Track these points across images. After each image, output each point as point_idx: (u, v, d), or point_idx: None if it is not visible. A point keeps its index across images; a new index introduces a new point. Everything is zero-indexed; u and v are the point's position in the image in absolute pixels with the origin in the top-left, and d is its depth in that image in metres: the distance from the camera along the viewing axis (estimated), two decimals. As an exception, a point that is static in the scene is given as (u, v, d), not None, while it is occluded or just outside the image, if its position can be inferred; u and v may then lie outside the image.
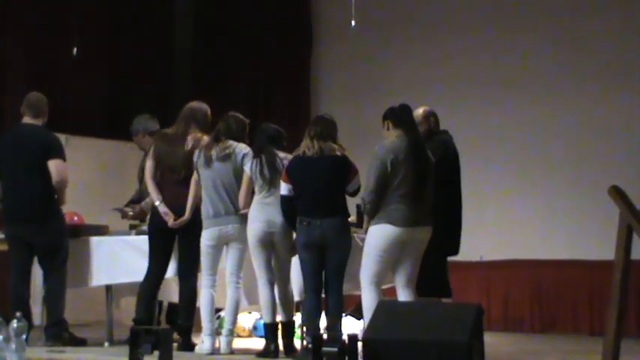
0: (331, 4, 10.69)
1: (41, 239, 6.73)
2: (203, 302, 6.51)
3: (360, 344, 5.24)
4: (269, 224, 6.36)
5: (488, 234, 9.54)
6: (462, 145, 9.73)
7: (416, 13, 10.27)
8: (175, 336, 6.44)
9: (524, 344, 8.21)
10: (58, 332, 6.73)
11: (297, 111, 10.57)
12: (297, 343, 6.57)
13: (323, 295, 6.29)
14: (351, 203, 6.45)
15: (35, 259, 6.90)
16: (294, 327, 6.60)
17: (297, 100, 10.77)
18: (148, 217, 6.99)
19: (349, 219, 6.44)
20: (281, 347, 6.44)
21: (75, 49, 9.09)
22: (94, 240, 6.99)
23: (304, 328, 6.42)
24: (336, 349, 5.23)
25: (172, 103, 9.36)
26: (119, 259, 6.88)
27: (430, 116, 6.73)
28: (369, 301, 5.91)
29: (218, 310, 6.78)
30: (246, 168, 6.47)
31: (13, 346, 4.90)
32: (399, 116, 6.11)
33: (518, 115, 9.64)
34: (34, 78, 9.42)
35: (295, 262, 6.48)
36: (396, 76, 10.15)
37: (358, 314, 6.89)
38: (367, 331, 5.39)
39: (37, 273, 7.11)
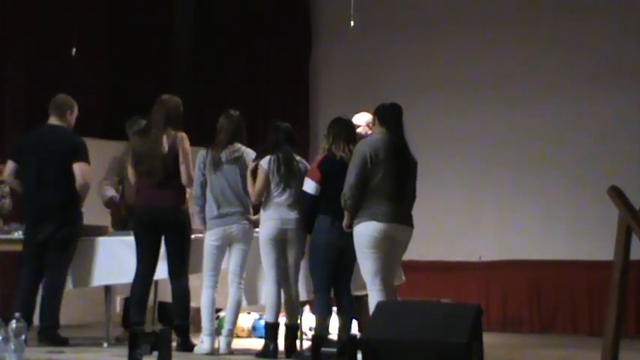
0: (330, 4, 10.70)
1: (57, 238, 6.76)
2: (204, 302, 6.50)
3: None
4: (282, 222, 6.40)
5: (487, 234, 9.56)
6: (459, 145, 9.83)
7: (415, 14, 10.28)
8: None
9: (523, 344, 8.21)
10: (54, 333, 6.73)
11: (296, 111, 10.57)
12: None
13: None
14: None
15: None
16: (297, 329, 6.61)
17: (296, 100, 10.78)
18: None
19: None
20: (281, 348, 6.44)
21: (74, 50, 9.08)
22: (94, 240, 7.00)
23: (309, 328, 6.43)
24: (335, 350, 5.24)
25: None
26: (118, 260, 6.88)
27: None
28: (373, 302, 5.89)
29: (217, 310, 6.78)
30: (263, 163, 6.47)
31: (12, 346, 4.90)
32: (386, 115, 6.14)
33: (516, 115, 9.65)
34: (33, 78, 9.42)
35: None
36: (395, 76, 10.16)
37: (356, 315, 6.90)
38: (366, 331, 5.39)
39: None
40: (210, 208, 6.55)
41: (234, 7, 11.08)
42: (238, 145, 6.62)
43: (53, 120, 6.95)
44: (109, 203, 7.51)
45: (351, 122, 6.49)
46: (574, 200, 9.28)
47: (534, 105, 9.58)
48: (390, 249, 5.99)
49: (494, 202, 9.64)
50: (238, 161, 6.58)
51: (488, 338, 5.67)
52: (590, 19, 9.41)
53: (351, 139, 6.31)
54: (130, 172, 6.75)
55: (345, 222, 6.06)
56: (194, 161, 6.65)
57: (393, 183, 6.00)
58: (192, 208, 6.71)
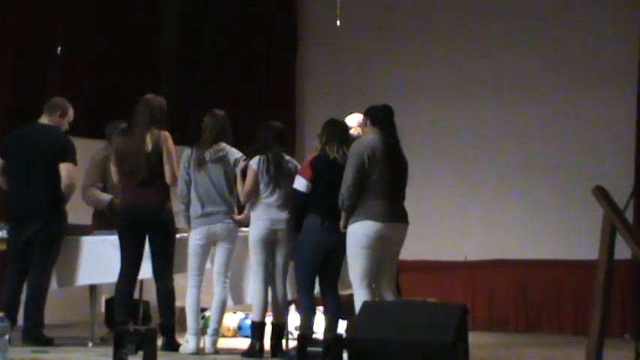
0: (317, 4, 10.69)
1: (41, 237, 6.73)
2: (189, 302, 6.49)
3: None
4: (272, 222, 6.41)
5: (473, 234, 9.57)
6: (445, 145, 9.85)
7: (401, 15, 10.28)
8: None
9: (508, 344, 8.23)
10: (38, 333, 6.70)
11: (282, 111, 10.53)
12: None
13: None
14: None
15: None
16: (283, 329, 6.62)
17: (282, 100, 10.76)
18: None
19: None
20: (267, 347, 6.44)
21: (59, 49, 9.03)
22: (79, 240, 6.97)
23: (294, 328, 6.44)
24: (320, 349, 5.24)
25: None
26: (104, 259, 6.85)
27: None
28: (360, 301, 5.87)
29: (203, 309, 6.77)
30: (253, 163, 6.47)
31: (-4, 346, 4.88)
32: (379, 115, 6.18)
33: (502, 115, 9.68)
34: (19, 78, 9.37)
35: None
36: (381, 76, 10.16)
37: (344, 314, 6.91)
38: (352, 330, 5.39)
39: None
40: (195, 208, 6.54)
41: (220, 8, 11.05)
42: (223, 145, 6.61)
43: (44, 119, 6.93)
44: (110, 205, 7.39)
45: (345, 124, 6.50)
46: (559, 200, 9.31)
47: (521, 105, 9.59)
48: (383, 249, 6.01)
49: (480, 202, 9.65)
50: (222, 160, 6.57)
51: (473, 338, 5.68)
52: (578, 20, 9.44)
53: (344, 141, 6.34)
54: (113, 171, 6.73)
55: (341, 222, 6.08)
56: (179, 160, 6.64)
57: (389, 182, 6.04)
58: (177, 207, 6.71)
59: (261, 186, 6.46)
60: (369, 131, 6.17)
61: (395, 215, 6.04)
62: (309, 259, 6.26)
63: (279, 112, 10.30)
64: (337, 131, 6.38)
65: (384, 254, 6.04)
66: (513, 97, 9.63)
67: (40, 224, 6.73)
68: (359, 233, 5.98)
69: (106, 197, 7.33)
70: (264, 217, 6.44)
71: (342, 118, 6.60)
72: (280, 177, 6.46)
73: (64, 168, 6.77)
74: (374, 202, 5.98)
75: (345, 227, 6.05)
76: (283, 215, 6.43)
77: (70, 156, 6.82)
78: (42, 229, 6.73)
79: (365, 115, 6.25)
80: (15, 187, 6.86)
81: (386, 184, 6.02)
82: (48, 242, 6.76)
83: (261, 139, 6.57)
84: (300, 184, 6.28)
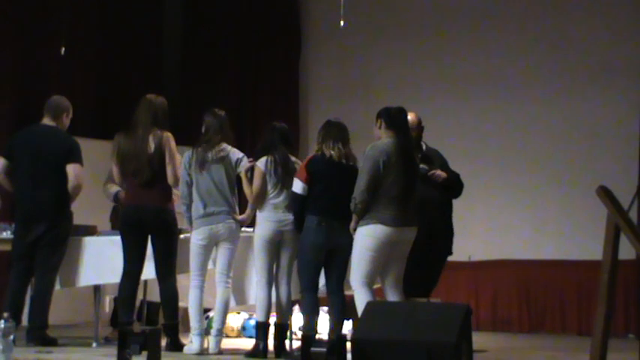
0: (320, 4, 10.70)
1: (48, 239, 6.74)
2: (192, 302, 6.49)
3: (348, 344, 5.27)
4: (279, 223, 6.43)
5: (477, 234, 9.55)
6: (449, 145, 9.80)
7: (405, 14, 10.28)
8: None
9: (512, 344, 8.23)
10: (42, 334, 6.71)
11: (285, 110, 10.56)
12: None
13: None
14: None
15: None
16: (287, 329, 6.62)
17: (285, 100, 10.78)
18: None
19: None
20: (270, 347, 6.44)
21: (63, 49, 9.05)
22: (83, 240, 6.98)
23: (298, 328, 6.45)
24: (324, 350, 5.25)
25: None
26: (107, 260, 6.85)
27: (421, 123, 6.98)
28: (361, 302, 5.89)
29: (206, 310, 6.77)
30: (260, 164, 6.48)
31: (0, 346, 4.88)
32: (394, 118, 6.17)
33: (506, 115, 9.67)
34: (22, 78, 9.38)
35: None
36: (384, 75, 10.17)
37: (348, 314, 6.91)
38: (356, 331, 5.39)
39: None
40: (197, 208, 6.55)
41: (223, 7, 11.07)
42: (224, 145, 6.61)
43: (47, 120, 6.92)
44: (116, 198, 7.41)
45: (342, 125, 6.48)
46: (563, 200, 9.31)
47: (524, 104, 9.59)
48: (390, 251, 6.02)
49: (484, 202, 9.64)
50: (224, 161, 6.57)
51: (477, 338, 5.69)
52: (582, 17, 9.44)
53: (339, 138, 6.33)
54: (115, 172, 6.73)
55: (352, 225, 6.07)
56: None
57: (402, 186, 6.04)
58: (178, 208, 6.71)
59: (269, 187, 6.48)
60: (384, 135, 6.16)
61: (405, 219, 6.04)
62: (308, 260, 6.27)
63: (283, 112, 10.34)
64: (332, 130, 6.37)
65: (391, 255, 6.05)
66: (517, 97, 9.63)
67: (47, 225, 6.74)
68: (368, 236, 5.98)
69: (112, 191, 7.36)
70: (271, 218, 6.45)
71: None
72: (287, 177, 6.47)
73: (71, 169, 6.78)
74: (386, 206, 5.98)
75: (355, 230, 6.06)
76: (290, 216, 6.44)
77: (76, 157, 6.83)
78: (48, 231, 6.74)
79: (378, 117, 6.23)
80: (21, 188, 6.86)
81: (399, 188, 6.02)
82: (54, 243, 6.77)
83: (267, 140, 6.59)
84: (297, 186, 6.29)
